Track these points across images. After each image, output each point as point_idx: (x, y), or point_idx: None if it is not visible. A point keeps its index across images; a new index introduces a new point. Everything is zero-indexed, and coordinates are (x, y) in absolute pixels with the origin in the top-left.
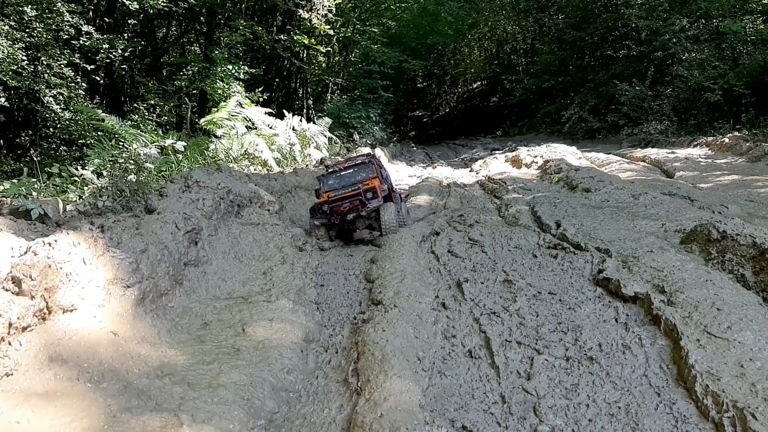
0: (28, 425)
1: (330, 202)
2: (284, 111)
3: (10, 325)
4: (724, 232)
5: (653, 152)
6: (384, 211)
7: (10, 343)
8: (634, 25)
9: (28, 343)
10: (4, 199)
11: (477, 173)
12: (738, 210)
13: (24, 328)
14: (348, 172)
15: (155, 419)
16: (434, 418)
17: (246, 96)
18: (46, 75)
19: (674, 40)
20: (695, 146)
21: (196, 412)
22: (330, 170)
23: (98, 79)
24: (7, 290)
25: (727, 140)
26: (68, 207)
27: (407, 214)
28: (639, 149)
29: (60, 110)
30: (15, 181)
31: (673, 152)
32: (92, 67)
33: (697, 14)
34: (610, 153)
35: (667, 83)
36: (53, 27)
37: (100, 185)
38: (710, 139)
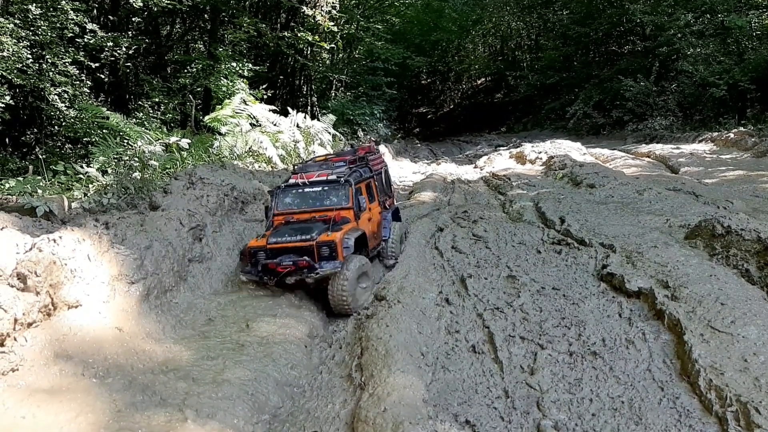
0: (33, 420)
1: (268, 252)
2: (288, 108)
3: (16, 321)
4: (728, 227)
5: (658, 148)
6: (339, 280)
7: (15, 339)
8: (638, 21)
9: (34, 339)
10: (10, 196)
11: (481, 170)
12: (743, 205)
13: (29, 324)
14: (315, 189)
15: (160, 414)
16: (438, 413)
17: (250, 93)
18: (50, 73)
19: (679, 35)
20: (700, 142)
21: (200, 407)
22: (289, 183)
23: (103, 77)
24: (12, 286)
25: (732, 135)
26: (73, 204)
27: (399, 232)
28: (644, 145)
29: (65, 108)
30: (20, 178)
31: (677, 148)
32: (97, 65)
33: (702, 9)
34: (614, 149)
35: (672, 78)
36: (58, 25)
37: (104, 183)
38: (715, 134)
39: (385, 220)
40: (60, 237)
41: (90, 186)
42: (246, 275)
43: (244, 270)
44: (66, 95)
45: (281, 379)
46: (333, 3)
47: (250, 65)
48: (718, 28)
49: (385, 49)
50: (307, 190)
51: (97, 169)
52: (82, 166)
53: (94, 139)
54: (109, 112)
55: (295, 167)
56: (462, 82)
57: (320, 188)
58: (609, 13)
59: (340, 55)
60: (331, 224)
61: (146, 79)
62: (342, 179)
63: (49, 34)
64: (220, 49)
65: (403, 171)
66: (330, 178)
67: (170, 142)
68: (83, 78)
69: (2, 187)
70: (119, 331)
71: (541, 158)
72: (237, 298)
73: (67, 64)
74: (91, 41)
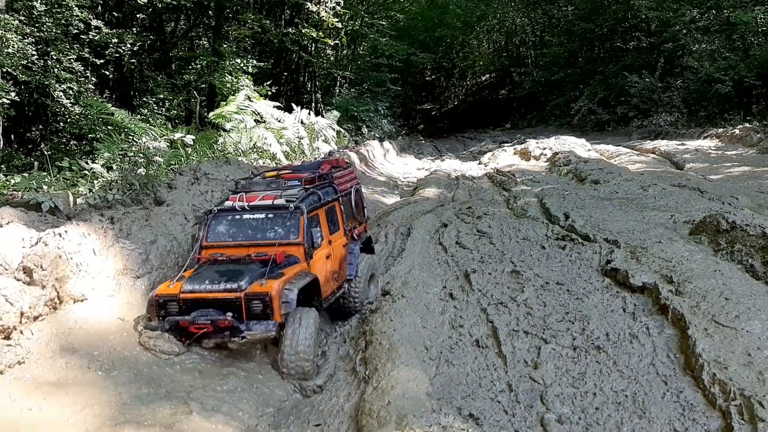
0: (39, 412)
1: (180, 303)
2: (293, 104)
3: (22, 314)
4: (733, 222)
5: (663, 144)
6: (293, 343)
7: (21, 332)
8: (643, 16)
9: (40, 332)
10: (16, 192)
11: (485, 166)
12: (748, 201)
13: (35, 318)
14: (257, 217)
15: (165, 407)
16: (441, 406)
17: (254, 89)
18: (55, 70)
19: (684, 31)
20: (705, 138)
21: (205, 399)
22: (224, 206)
23: (108, 73)
24: (18, 280)
25: (737, 132)
26: (78, 200)
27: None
28: (649, 141)
29: (70, 105)
30: (26, 174)
31: (683, 144)
32: (101, 61)
33: (708, 5)
34: (619, 145)
35: (677, 74)
36: (63, 22)
37: (109, 179)
38: (720, 130)
39: (351, 254)
40: (65, 231)
41: (95, 182)
42: (152, 328)
43: (148, 325)
44: (71, 92)
45: None
46: None
47: (255, 62)
48: (723, 23)
49: (389, 46)
50: (246, 216)
51: (102, 165)
52: (87, 162)
53: (99, 136)
54: (113, 108)
55: (237, 184)
56: (466, 79)
57: (263, 215)
58: (614, 8)
59: (345, 52)
60: (269, 267)
61: (151, 75)
62: (291, 205)
63: (54, 30)
64: (225, 46)
65: (408, 167)
66: (276, 202)
67: (175, 138)
68: (88, 74)
69: (8, 182)
70: (125, 324)
71: (545, 154)
72: None
73: (71, 60)
74: (96, 38)
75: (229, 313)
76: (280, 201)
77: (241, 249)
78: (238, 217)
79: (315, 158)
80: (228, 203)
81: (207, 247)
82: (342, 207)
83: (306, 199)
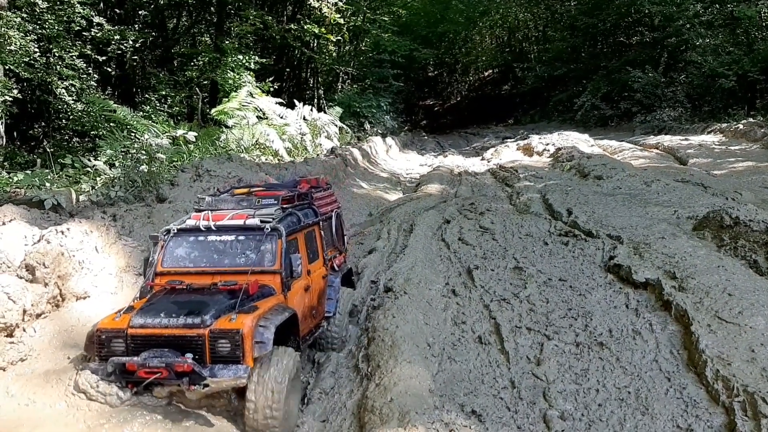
0: (41, 409)
1: (128, 340)
2: (295, 101)
3: (25, 311)
4: (736, 218)
5: (666, 139)
6: (263, 390)
7: (24, 330)
8: (647, 11)
9: (42, 330)
10: (18, 189)
11: (488, 162)
12: (752, 196)
13: (38, 315)
14: (225, 239)
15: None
16: (444, 403)
17: (257, 86)
18: (58, 67)
19: (688, 25)
20: (709, 133)
21: None
22: (186, 225)
23: (110, 70)
24: (21, 278)
25: (741, 127)
26: (81, 197)
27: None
28: (652, 136)
29: (72, 102)
30: (28, 172)
31: (686, 139)
32: (104, 58)
33: None
34: (622, 140)
35: (680, 69)
36: (65, 18)
37: (112, 176)
38: (724, 125)
39: (330, 288)
40: (68, 229)
41: (97, 179)
42: (90, 370)
43: (88, 366)
44: (73, 89)
45: None
46: None
47: (257, 58)
48: (727, 18)
49: (391, 41)
50: (211, 238)
51: (105, 162)
52: (89, 160)
53: (101, 133)
54: (116, 105)
55: (199, 201)
56: (469, 74)
57: (232, 237)
58: (617, 3)
59: (347, 48)
60: (240, 300)
61: (153, 72)
62: (267, 226)
63: (56, 27)
64: (227, 42)
65: (410, 163)
66: (249, 222)
67: (177, 135)
68: (90, 71)
69: (11, 180)
70: None
71: (548, 150)
72: None
73: (74, 57)
74: (98, 35)
75: (189, 355)
76: (254, 221)
77: (205, 277)
78: (201, 238)
79: (315, 157)
80: (190, 222)
81: (162, 274)
82: (322, 232)
83: (284, 220)
